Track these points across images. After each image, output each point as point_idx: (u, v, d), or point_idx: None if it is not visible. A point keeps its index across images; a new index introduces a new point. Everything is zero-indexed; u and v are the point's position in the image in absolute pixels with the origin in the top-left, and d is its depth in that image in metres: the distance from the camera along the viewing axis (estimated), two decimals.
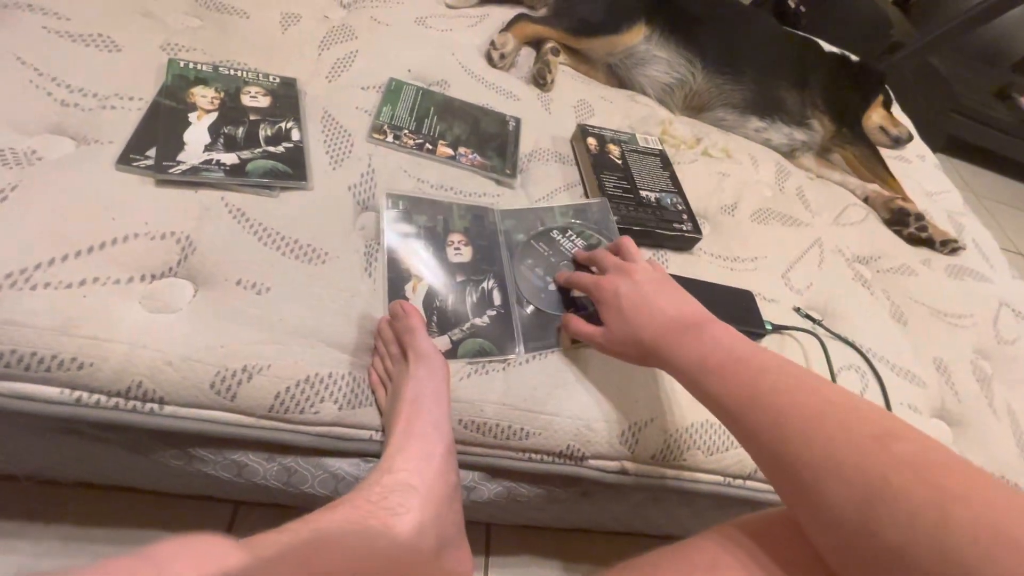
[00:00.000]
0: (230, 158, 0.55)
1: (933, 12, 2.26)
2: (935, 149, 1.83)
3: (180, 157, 0.53)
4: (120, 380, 0.40)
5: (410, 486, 0.40)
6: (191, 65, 0.61)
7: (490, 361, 0.53)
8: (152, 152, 0.53)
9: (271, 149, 0.57)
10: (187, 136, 0.55)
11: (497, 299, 0.57)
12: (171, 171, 0.51)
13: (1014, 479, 0.67)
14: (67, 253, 0.42)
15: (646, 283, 0.50)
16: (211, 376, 0.41)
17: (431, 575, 0.36)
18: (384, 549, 0.34)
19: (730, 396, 0.39)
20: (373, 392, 0.50)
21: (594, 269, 0.58)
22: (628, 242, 0.56)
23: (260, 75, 0.65)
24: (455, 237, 0.59)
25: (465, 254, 0.59)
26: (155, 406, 0.41)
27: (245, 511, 0.66)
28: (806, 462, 0.33)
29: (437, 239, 0.58)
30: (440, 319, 0.53)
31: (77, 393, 0.39)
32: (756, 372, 0.39)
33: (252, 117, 0.60)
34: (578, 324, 0.54)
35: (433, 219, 0.60)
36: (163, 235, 0.47)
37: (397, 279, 0.54)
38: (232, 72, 0.64)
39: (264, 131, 0.59)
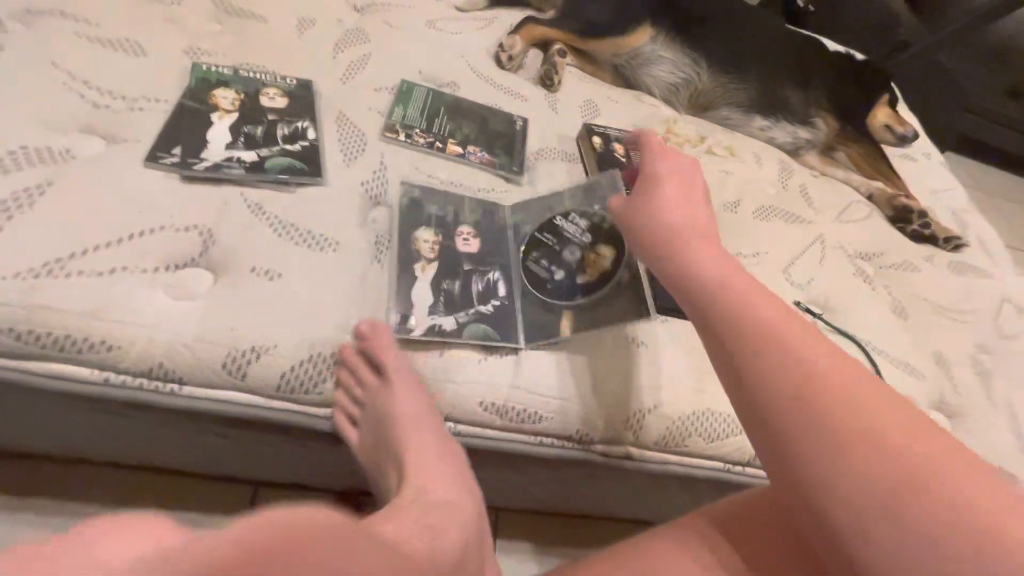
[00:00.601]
0: (250, 156, 0.58)
1: (941, 9, 2.25)
2: (945, 148, 1.83)
3: (203, 155, 0.56)
4: (144, 362, 0.43)
5: (451, 504, 0.38)
6: (213, 68, 0.64)
7: (493, 346, 0.55)
8: (177, 150, 0.56)
9: (288, 147, 0.60)
10: (210, 135, 0.58)
11: (502, 290, 0.59)
12: (195, 168, 0.54)
13: (1012, 469, 0.68)
14: (98, 244, 0.45)
15: (701, 182, 0.46)
16: (222, 357, 0.44)
17: None
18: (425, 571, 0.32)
19: (750, 324, 0.34)
20: (341, 434, 0.49)
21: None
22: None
23: (278, 77, 0.68)
24: (464, 229, 0.62)
25: (473, 245, 0.61)
26: (175, 387, 0.44)
27: (264, 492, 0.69)
28: (840, 425, 0.29)
29: (447, 228, 0.61)
30: (447, 300, 0.56)
31: (106, 374, 0.42)
32: (785, 312, 0.35)
33: (270, 117, 0.63)
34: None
35: (444, 209, 0.63)
36: (187, 228, 0.50)
37: (407, 257, 0.57)
38: (251, 75, 0.66)
39: (282, 130, 0.62)
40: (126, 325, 0.43)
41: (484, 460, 0.57)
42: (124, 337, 0.42)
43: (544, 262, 0.61)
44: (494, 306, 0.58)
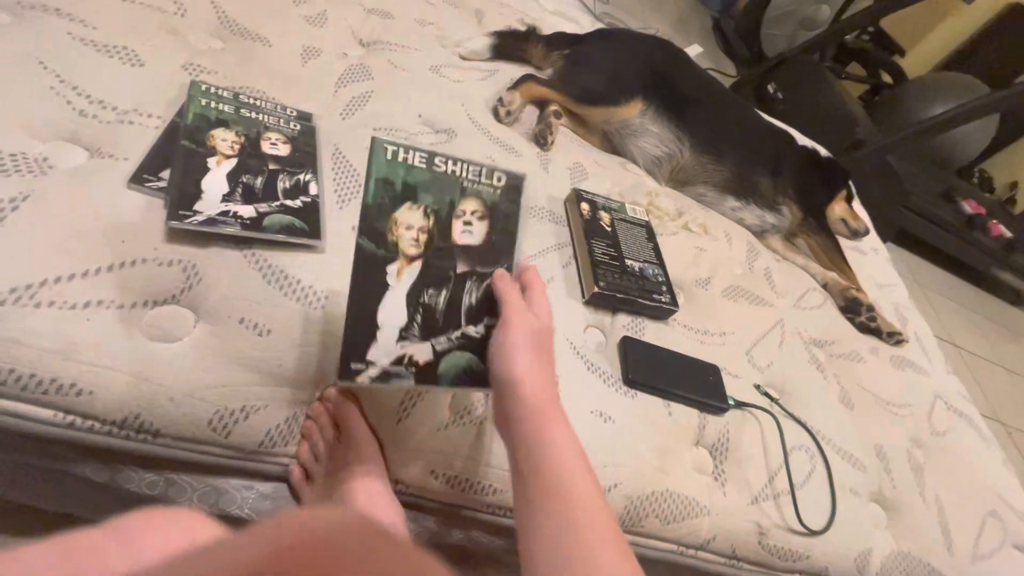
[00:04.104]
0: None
1: (892, 113, 2.48)
2: (887, 239, 1.99)
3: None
4: (118, 410, 0.40)
5: None
6: (213, 94, 0.62)
7: (295, 242, 0.54)
8: (165, 174, 0.54)
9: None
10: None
11: (313, 190, 0.58)
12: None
13: (937, 565, 0.72)
14: (74, 272, 0.42)
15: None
16: (210, 414, 0.42)
17: None
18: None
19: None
20: (295, 489, 0.51)
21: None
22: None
23: (280, 120, 0.65)
24: (272, 135, 0.61)
25: (282, 150, 0.61)
26: (148, 436, 0.41)
27: None
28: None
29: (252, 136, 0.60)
30: (245, 192, 0.53)
31: (71, 417, 0.39)
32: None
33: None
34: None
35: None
36: (170, 262, 0.47)
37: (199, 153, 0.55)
38: (253, 108, 0.63)
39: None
40: (100, 368, 0.40)
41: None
42: (97, 382, 0.39)
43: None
44: (303, 202, 0.57)
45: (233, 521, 0.51)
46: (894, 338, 1.03)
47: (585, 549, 0.35)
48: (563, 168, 0.93)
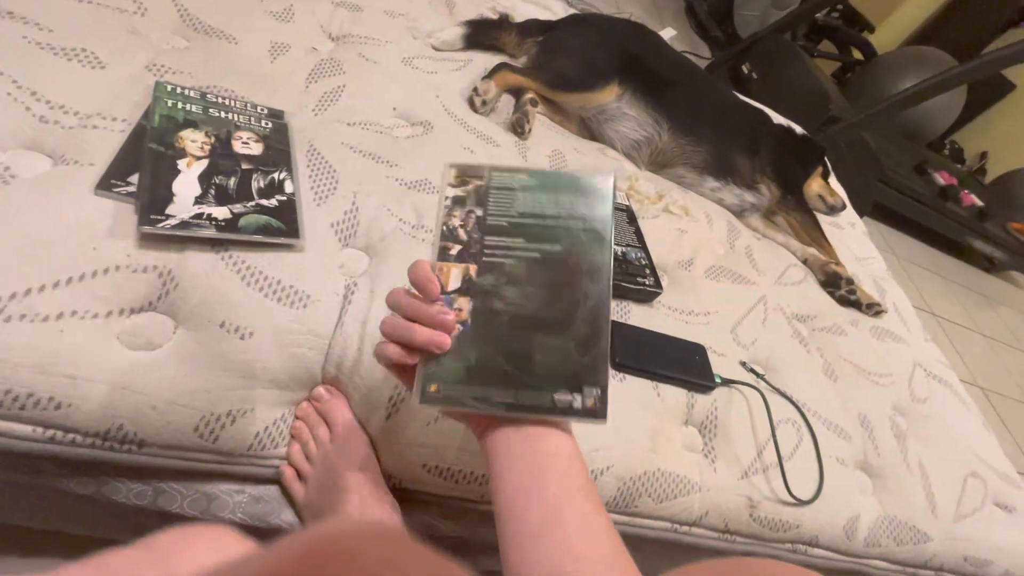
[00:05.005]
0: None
1: (864, 89, 2.51)
2: (863, 214, 2.02)
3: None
4: (100, 422, 0.39)
5: None
6: (179, 93, 0.60)
7: (272, 242, 0.53)
8: (134, 179, 0.52)
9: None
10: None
11: (289, 188, 0.58)
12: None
13: (924, 528, 0.74)
14: (44, 283, 0.41)
15: None
16: (196, 420, 0.41)
17: None
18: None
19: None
20: (287, 489, 0.51)
21: None
22: None
23: (252, 118, 0.63)
24: (244, 134, 0.61)
25: (254, 149, 0.60)
26: (133, 447, 0.40)
27: None
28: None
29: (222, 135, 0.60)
30: (218, 193, 0.53)
31: (51, 432, 0.38)
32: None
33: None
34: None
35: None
36: (145, 268, 0.46)
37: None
38: (222, 107, 0.62)
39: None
40: (77, 380, 0.39)
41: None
42: (75, 394, 0.38)
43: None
44: (279, 201, 0.57)
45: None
46: (873, 309, 1.05)
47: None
48: (542, 156, 0.93)
